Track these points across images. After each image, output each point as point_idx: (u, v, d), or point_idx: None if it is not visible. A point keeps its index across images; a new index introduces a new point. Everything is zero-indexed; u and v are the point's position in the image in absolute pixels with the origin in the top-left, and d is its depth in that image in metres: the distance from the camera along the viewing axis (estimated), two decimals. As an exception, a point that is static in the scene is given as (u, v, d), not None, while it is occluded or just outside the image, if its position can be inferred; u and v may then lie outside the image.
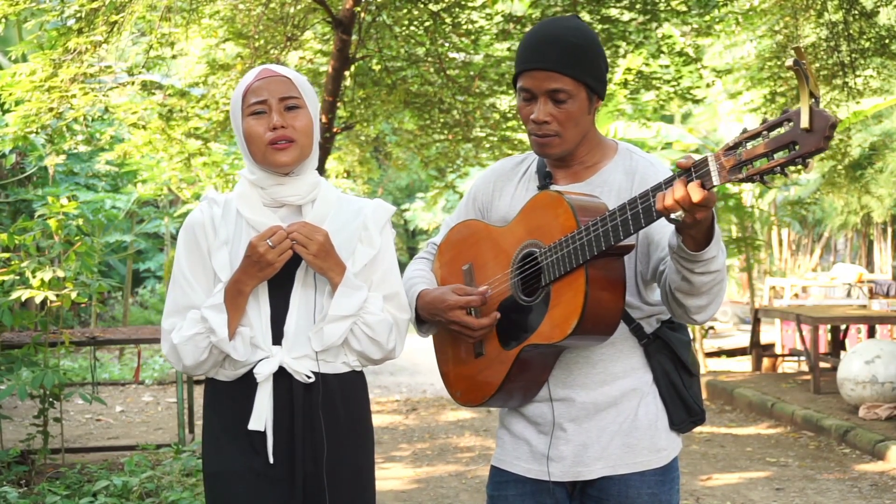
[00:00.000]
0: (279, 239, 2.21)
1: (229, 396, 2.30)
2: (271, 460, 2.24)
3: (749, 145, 1.85)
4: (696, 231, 1.99)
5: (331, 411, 2.27)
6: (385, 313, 2.30)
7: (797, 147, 1.79)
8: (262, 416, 2.24)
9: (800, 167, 1.81)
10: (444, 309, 2.31)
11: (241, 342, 2.26)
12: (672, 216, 1.95)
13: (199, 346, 2.26)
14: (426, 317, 2.38)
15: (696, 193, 1.90)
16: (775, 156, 1.82)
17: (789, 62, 1.78)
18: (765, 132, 1.83)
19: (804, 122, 1.77)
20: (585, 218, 2.11)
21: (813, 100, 1.77)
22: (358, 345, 2.29)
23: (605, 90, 2.28)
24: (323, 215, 2.32)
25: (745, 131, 1.87)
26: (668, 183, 1.97)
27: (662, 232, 2.20)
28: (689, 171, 1.93)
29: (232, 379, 2.29)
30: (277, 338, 2.27)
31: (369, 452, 2.37)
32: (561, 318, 2.13)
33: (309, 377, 2.25)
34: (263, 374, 2.24)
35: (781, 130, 1.82)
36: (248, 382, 2.27)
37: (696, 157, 1.95)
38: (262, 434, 2.26)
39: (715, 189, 1.92)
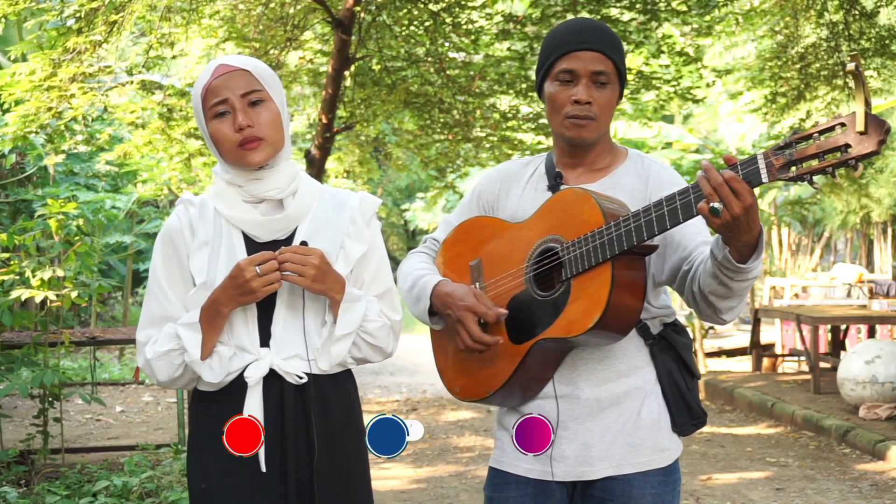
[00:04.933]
0: (269, 269, 2.09)
1: (217, 402, 2.18)
2: (263, 469, 2.13)
3: (799, 146, 1.89)
4: (742, 244, 2.00)
5: (324, 414, 2.17)
6: (382, 317, 2.24)
7: (849, 150, 1.84)
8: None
9: (850, 168, 1.86)
10: (459, 307, 2.29)
11: (217, 362, 2.15)
12: (712, 205, 1.94)
13: (172, 363, 2.16)
14: (436, 305, 2.35)
15: (733, 180, 1.91)
16: (826, 157, 1.86)
17: (850, 66, 1.83)
18: (816, 134, 1.87)
19: (860, 126, 1.82)
20: (612, 212, 2.13)
21: (867, 106, 1.82)
22: (359, 353, 2.22)
23: (625, 82, 2.34)
24: (305, 208, 2.23)
25: (796, 132, 1.91)
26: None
27: (683, 232, 2.21)
28: (736, 167, 1.94)
29: (217, 388, 2.18)
30: (265, 339, 2.17)
31: (363, 454, 2.27)
32: (581, 312, 2.12)
33: (301, 377, 2.15)
34: (255, 377, 2.13)
35: (834, 133, 1.86)
36: (236, 387, 2.16)
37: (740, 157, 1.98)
38: None
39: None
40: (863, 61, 8.35)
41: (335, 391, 2.21)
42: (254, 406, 2.13)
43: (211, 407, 2.19)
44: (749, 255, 2.02)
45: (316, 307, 2.19)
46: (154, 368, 2.18)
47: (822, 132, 1.87)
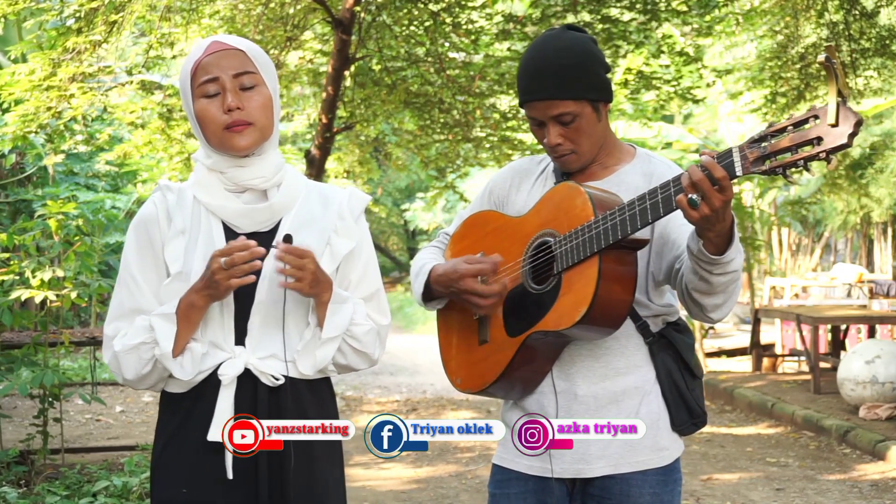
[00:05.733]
0: (233, 262, 1.94)
1: (185, 404, 2.06)
2: (230, 475, 2.01)
3: (773, 140, 1.88)
4: (715, 234, 2.00)
5: (300, 419, 2.03)
6: (369, 321, 2.12)
7: (822, 142, 1.82)
8: (222, 426, 1.99)
9: (823, 162, 1.85)
10: (456, 278, 2.30)
11: (189, 359, 2.02)
12: (690, 197, 1.95)
13: (142, 357, 2.02)
14: (439, 290, 2.37)
15: (717, 170, 1.92)
16: (800, 150, 1.86)
17: (821, 58, 1.82)
18: (790, 127, 1.86)
19: (831, 118, 1.80)
20: (603, 205, 2.14)
21: (840, 98, 1.80)
22: (344, 359, 2.10)
23: (610, 93, 2.30)
24: (290, 201, 2.11)
25: (770, 125, 1.90)
26: None
27: (679, 231, 2.21)
28: (712, 160, 1.94)
29: (185, 389, 2.05)
30: (240, 337, 2.05)
31: (339, 463, 2.16)
32: (570, 305, 2.13)
33: (277, 379, 2.03)
34: (229, 375, 2.01)
35: (807, 126, 1.85)
36: (207, 387, 2.03)
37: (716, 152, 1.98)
38: (222, 446, 2.00)
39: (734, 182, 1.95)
40: (862, 61, 8.37)
41: (312, 397, 2.09)
42: (226, 406, 2.01)
43: (179, 410, 2.08)
44: (725, 246, 2.02)
45: (298, 305, 2.08)
46: (121, 363, 2.04)
47: (796, 125, 1.86)
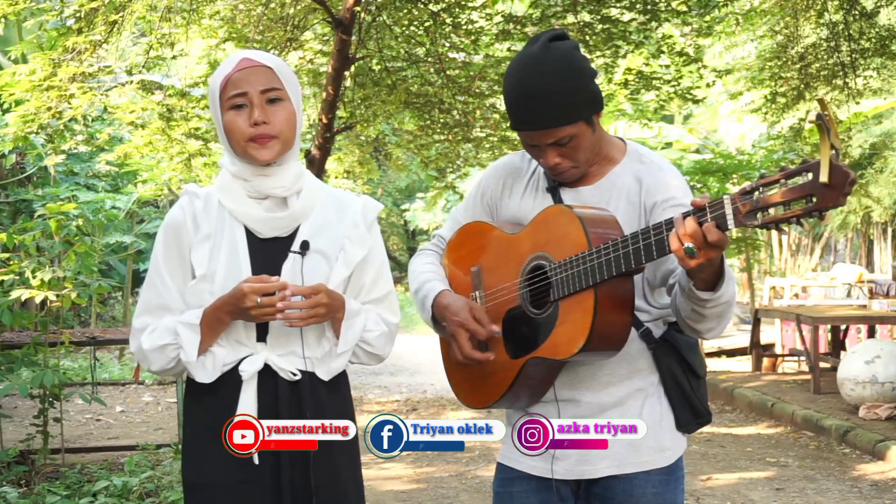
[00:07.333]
0: (269, 302, 2.12)
1: (211, 395, 2.21)
2: (256, 461, 2.16)
3: (766, 192, 1.85)
4: (706, 273, 2.00)
5: (318, 411, 2.19)
6: (380, 325, 2.29)
7: (814, 200, 1.79)
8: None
9: (815, 218, 1.82)
10: (453, 322, 2.31)
11: (210, 362, 2.19)
12: (687, 246, 1.92)
13: (167, 356, 2.21)
14: (438, 317, 2.37)
15: (712, 233, 1.90)
16: (792, 205, 1.82)
17: (812, 115, 1.79)
18: (783, 180, 1.83)
19: (823, 177, 1.76)
20: (596, 234, 2.12)
21: (833, 151, 1.76)
22: (357, 360, 2.30)
23: (602, 101, 2.25)
24: (309, 208, 2.27)
25: (762, 177, 1.86)
26: (684, 218, 1.95)
27: None
28: (704, 210, 1.92)
29: (211, 380, 2.21)
30: (261, 334, 2.21)
31: (356, 455, 2.30)
32: (568, 336, 2.14)
33: (295, 374, 2.19)
34: (249, 371, 2.17)
35: (800, 180, 1.81)
36: (231, 380, 2.19)
37: (705, 196, 1.94)
38: None
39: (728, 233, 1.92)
40: (862, 61, 8.37)
41: (329, 390, 2.24)
42: (248, 400, 2.16)
43: (205, 399, 2.22)
44: (715, 282, 2.02)
45: None
46: (149, 358, 2.22)
47: (788, 177, 1.82)
